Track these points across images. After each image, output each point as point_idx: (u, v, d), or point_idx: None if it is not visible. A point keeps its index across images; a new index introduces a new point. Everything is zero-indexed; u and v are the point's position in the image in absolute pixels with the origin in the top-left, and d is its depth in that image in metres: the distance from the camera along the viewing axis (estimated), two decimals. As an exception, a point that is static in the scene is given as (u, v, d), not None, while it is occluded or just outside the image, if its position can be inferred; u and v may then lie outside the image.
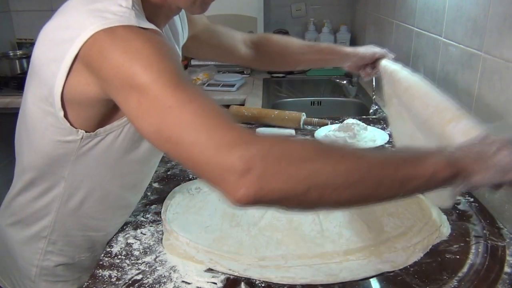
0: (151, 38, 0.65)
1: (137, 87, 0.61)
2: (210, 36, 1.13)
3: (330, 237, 0.87)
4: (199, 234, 0.89)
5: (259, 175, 0.54)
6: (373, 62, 1.16)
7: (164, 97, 0.60)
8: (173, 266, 0.81)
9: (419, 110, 0.81)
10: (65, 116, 0.73)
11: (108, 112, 0.74)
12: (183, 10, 0.91)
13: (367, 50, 1.18)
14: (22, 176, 0.84)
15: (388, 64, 1.07)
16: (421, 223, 0.91)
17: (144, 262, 0.82)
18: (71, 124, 0.74)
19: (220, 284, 0.77)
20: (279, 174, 0.54)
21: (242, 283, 0.77)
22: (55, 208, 0.84)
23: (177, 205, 1.01)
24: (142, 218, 0.97)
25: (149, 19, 0.70)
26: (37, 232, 0.87)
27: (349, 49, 1.19)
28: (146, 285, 0.76)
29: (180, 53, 0.99)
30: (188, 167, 0.59)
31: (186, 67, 2.47)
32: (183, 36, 1.00)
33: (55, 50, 0.68)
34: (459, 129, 0.68)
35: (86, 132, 0.75)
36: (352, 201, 0.58)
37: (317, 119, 1.50)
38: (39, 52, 0.73)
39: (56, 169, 0.80)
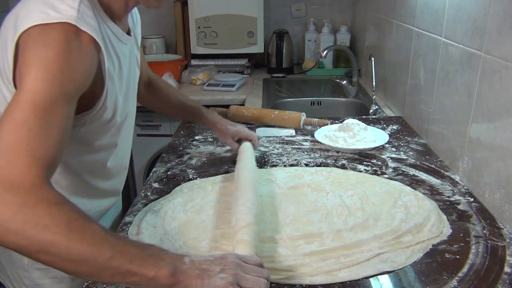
0: (69, 53, 0.70)
1: (22, 86, 0.67)
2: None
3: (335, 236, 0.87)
4: (200, 235, 0.89)
5: (6, 217, 0.59)
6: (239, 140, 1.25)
7: (19, 110, 0.65)
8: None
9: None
10: None
11: None
12: (137, 16, 1.02)
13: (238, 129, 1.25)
14: None
15: (242, 147, 1.20)
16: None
17: (144, 262, 0.82)
18: None
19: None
20: (19, 229, 0.59)
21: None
22: None
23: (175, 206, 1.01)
24: (142, 218, 0.97)
25: (106, 6, 0.80)
26: None
27: (217, 118, 1.26)
28: (146, 285, 0.76)
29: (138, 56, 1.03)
30: None
31: (186, 66, 2.47)
32: (137, 38, 1.04)
33: (5, 36, 0.75)
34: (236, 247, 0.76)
35: None
36: (79, 275, 0.64)
37: (317, 119, 1.50)
38: None
39: None
